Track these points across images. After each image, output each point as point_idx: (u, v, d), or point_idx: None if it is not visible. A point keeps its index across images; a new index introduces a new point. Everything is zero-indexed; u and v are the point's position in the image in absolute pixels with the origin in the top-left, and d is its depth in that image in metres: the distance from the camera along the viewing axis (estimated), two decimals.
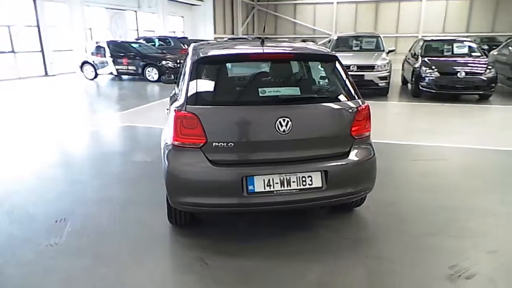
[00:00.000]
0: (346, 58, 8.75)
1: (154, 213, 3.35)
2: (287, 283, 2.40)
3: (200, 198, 2.61)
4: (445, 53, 9.88)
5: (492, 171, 4.49)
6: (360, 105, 2.77)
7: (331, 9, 33.08)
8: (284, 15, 34.32)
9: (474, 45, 9.90)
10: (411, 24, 31.43)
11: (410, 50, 11.56)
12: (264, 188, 2.55)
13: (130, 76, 13.85)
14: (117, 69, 13.35)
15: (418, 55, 9.82)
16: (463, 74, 8.53)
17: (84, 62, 13.63)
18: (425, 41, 10.34)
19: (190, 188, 2.60)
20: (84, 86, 12.46)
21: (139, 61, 13.05)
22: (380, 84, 9.07)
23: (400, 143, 5.45)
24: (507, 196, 3.69)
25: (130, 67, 13.22)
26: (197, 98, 2.59)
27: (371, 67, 9.00)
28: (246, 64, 3.02)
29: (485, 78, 8.51)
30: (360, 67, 8.99)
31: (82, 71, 13.71)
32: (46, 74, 14.84)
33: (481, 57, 9.43)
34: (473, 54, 9.59)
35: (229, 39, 23.35)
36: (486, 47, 19.90)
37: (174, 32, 22.92)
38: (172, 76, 4.82)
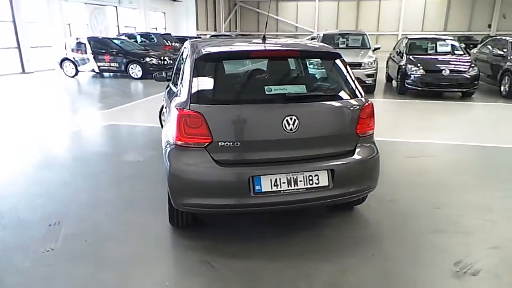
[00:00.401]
0: None
1: (152, 215, 3.26)
2: (300, 284, 2.37)
3: (205, 199, 2.54)
4: (429, 51, 10.08)
5: (483, 166, 4.60)
6: (364, 103, 2.76)
7: (313, 7, 33.31)
8: (267, 12, 34.29)
9: (456, 44, 10.14)
10: (392, 22, 32.02)
11: (394, 48, 11.74)
12: (271, 188, 2.51)
13: (112, 73, 13.53)
14: (98, 66, 12.99)
15: (403, 53, 9.98)
16: (448, 72, 8.73)
17: (64, 59, 13.20)
18: (409, 39, 10.51)
19: (195, 189, 2.53)
20: (64, 84, 12.06)
21: (122, 58, 12.75)
22: (367, 82, 9.16)
23: (392, 140, 5.51)
24: (500, 192, 3.77)
25: (112, 64, 12.89)
26: (201, 96, 2.52)
27: (358, 65, 9.07)
28: (249, 61, 2.96)
29: (468, 76, 8.73)
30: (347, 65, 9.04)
31: (62, 68, 13.27)
32: (23, 71, 14.29)
33: (464, 55, 9.67)
34: (456, 52, 9.82)
35: (212, 36, 23.13)
36: (463, 45, 20.54)
37: (155, 28, 22.51)
38: (164, 73, 4.69)
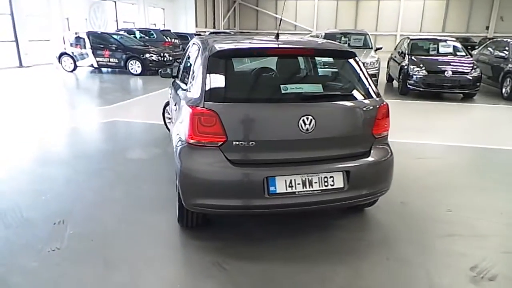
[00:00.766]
0: None
1: (159, 214, 3.19)
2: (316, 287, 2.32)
3: (218, 200, 2.47)
4: (431, 52, 10.06)
5: (490, 169, 4.56)
6: (380, 103, 2.71)
7: (312, 6, 33.23)
8: (266, 10, 34.18)
9: (458, 45, 10.12)
10: (390, 22, 32.04)
11: (395, 49, 11.71)
12: (286, 189, 2.45)
13: (111, 69, 13.39)
14: (97, 61, 12.85)
15: (405, 53, 9.94)
16: (450, 73, 8.71)
17: (63, 54, 13.04)
18: (411, 39, 10.48)
19: (208, 189, 2.47)
20: (63, 79, 11.92)
21: (122, 54, 12.62)
22: None
23: (398, 141, 5.42)
24: (510, 194, 3.74)
25: (111, 60, 12.76)
26: (215, 94, 2.45)
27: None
28: (262, 59, 2.90)
29: (471, 78, 8.72)
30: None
31: (60, 62, 13.12)
32: (21, 65, 14.12)
33: (466, 56, 9.65)
34: (458, 53, 9.80)
35: (211, 33, 23.01)
36: None
37: (154, 24, 22.33)
38: (168, 70, 4.61)
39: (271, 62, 2.81)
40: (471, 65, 9.00)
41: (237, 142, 2.40)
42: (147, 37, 15.61)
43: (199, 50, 2.98)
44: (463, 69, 8.87)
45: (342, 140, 2.59)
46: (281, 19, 3.06)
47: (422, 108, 8.20)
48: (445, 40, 10.34)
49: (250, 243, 2.79)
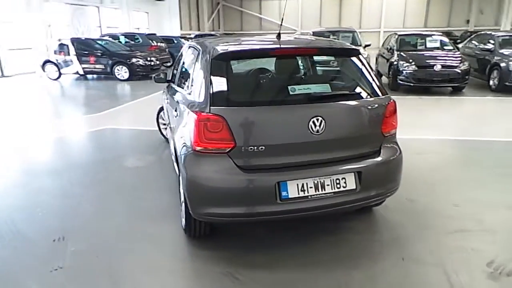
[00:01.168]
0: None
1: (162, 224, 3.09)
2: None
3: (228, 208, 2.38)
4: (419, 47, 10.14)
5: (489, 161, 4.57)
6: (388, 101, 2.66)
7: (296, 5, 33.27)
8: (250, 10, 34.11)
9: (446, 39, 10.22)
10: (373, 19, 32.30)
11: (383, 45, 11.79)
12: (298, 194, 2.38)
13: (96, 75, 13.11)
14: (83, 68, 12.57)
15: (393, 49, 10.00)
16: (439, 67, 8.78)
17: (46, 61, 12.72)
18: (399, 35, 10.54)
19: (218, 198, 2.37)
20: (47, 87, 11.62)
21: (107, 59, 12.37)
22: None
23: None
24: None
25: (97, 66, 12.50)
26: (221, 98, 2.36)
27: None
28: (265, 60, 2.82)
29: (459, 71, 8.81)
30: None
31: (44, 70, 12.78)
32: (2, 74, 13.71)
33: (454, 50, 9.75)
34: (446, 48, 9.90)
35: (197, 36, 22.81)
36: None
37: (138, 28, 22.02)
38: (162, 75, 4.49)
39: (276, 63, 2.72)
40: (459, 58, 9.10)
41: (246, 147, 2.32)
42: (132, 42, 15.37)
43: (198, 53, 2.88)
44: (451, 63, 8.96)
45: (352, 140, 2.53)
46: (282, 19, 2.98)
47: (414, 103, 8.24)
48: (432, 35, 10.43)
49: (260, 251, 2.70)
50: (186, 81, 3.11)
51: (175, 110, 3.07)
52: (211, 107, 2.32)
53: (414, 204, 3.36)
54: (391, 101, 2.69)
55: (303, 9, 33.22)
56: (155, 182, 4.02)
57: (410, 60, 9.08)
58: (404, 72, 9.07)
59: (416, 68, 8.91)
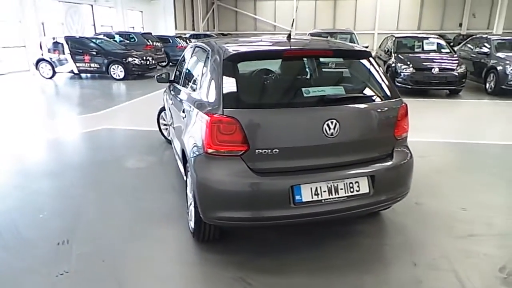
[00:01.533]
0: None
1: (167, 227, 3.04)
2: None
3: (241, 212, 2.33)
4: (416, 50, 10.20)
5: (492, 165, 4.59)
6: (400, 104, 2.64)
7: (291, 6, 33.33)
8: (245, 11, 34.07)
9: (443, 42, 10.30)
10: (368, 21, 32.47)
11: (380, 47, 11.83)
12: (312, 198, 2.34)
13: (91, 75, 12.95)
14: (78, 67, 12.41)
15: (391, 52, 10.04)
16: (437, 69, 8.83)
17: (40, 60, 12.53)
18: (396, 37, 10.58)
19: (230, 201, 2.32)
20: (42, 86, 11.44)
21: (103, 58, 12.23)
22: None
23: None
24: None
25: (92, 65, 12.34)
26: (235, 100, 2.31)
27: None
28: (277, 61, 2.77)
29: (457, 74, 8.87)
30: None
31: (37, 69, 12.59)
32: None
33: (451, 53, 9.83)
34: (443, 50, 9.97)
35: (191, 36, 22.70)
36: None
37: (133, 27, 21.84)
38: (164, 75, 4.43)
39: (288, 64, 2.68)
40: (457, 61, 9.16)
41: (260, 150, 2.27)
42: (127, 41, 15.22)
43: (207, 54, 2.83)
44: (449, 65, 9.02)
45: (365, 144, 2.51)
46: (294, 19, 2.93)
47: (413, 106, 8.09)
48: (429, 38, 10.50)
49: (271, 256, 2.65)
50: (194, 81, 3.05)
51: (183, 111, 3.01)
52: (224, 109, 2.27)
53: (421, 208, 3.35)
54: (403, 104, 2.67)
55: (298, 10, 33.26)
56: (158, 183, 3.95)
57: (408, 63, 9.12)
58: (402, 74, 9.10)
59: (414, 71, 8.95)
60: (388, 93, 2.64)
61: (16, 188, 3.85)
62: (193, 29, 29.84)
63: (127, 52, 12.73)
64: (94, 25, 18.79)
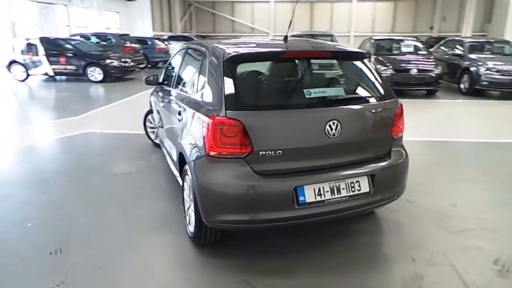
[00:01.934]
0: None
1: (164, 232, 2.98)
2: None
3: (245, 214, 2.32)
4: (394, 52, 10.47)
5: (476, 161, 4.79)
6: (397, 104, 2.70)
7: (269, 8, 33.49)
8: (222, 12, 33.96)
9: (419, 45, 10.62)
10: (343, 24, 33.05)
11: (359, 49, 12.05)
12: (315, 198, 2.35)
13: (66, 77, 12.54)
14: (53, 69, 11.99)
15: (371, 53, 10.25)
16: (416, 71, 9.11)
17: (12, 62, 12.05)
18: (375, 40, 10.84)
19: (234, 204, 2.31)
20: (14, 89, 10.99)
21: (80, 60, 11.88)
22: None
23: None
24: (502, 185, 3.93)
25: (69, 67, 11.96)
26: (237, 102, 2.29)
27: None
28: (276, 63, 2.77)
29: (434, 75, 9.18)
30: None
31: (10, 71, 12.08)
32: None
33: (428, 55, 10.15)
34: (419, 52, 10.28)
35: (170, 37, 22.41)
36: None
37: (109, 28, 21.33)
38: (151, 77, 4.35)
39: (288, 66, 2.69)
40: (434, 63, 9.47)
41: (264, 152, 2.26)
42: (104, 42, 14.84)
43: (204, 56, 2.80)
44: (426, 67, 9.31)
45: (365, 144, 2.55)
46: (291, 21, 2.94)
47: None
48: (407, 40, 10.80)
49: (272, 257, 2.65)
50: (190, 83, 3.01)
51: (178, 114, 2.96)
52: (227, 111, 2.25)
53: (414, 205, 3.43)
54: (399, 104, 2.73)
55: (275, 13, 33.48)
56: (149, 188, 3.88)
57: (388, 64, 9.35)
58: (382, 75, 9.29)
59: (394, 72, 9.18)
60: (385, 93, 2.70)
61: (0, 198, 3.66)
62: (171, 31, 29.48)
63: (105, 54, 12.42)
64: (68, 26, 18.23)
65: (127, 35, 15.98)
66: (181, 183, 3.10)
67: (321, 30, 16.24)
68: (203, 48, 2.89)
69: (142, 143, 5.30)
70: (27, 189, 3.85)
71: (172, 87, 3.58)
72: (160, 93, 4.15)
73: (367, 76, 2.74)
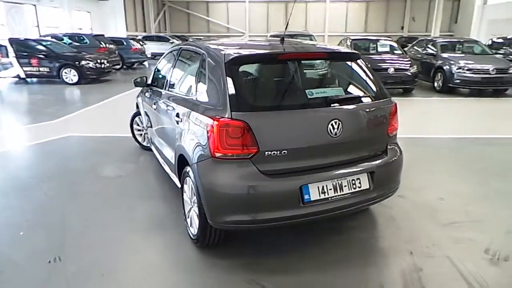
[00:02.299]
0: None
1: (163, 236, 2.96)
2: None
3: (251, 214, 2.34)
4: (371, 51, 10.75)
5: (454, 157, 5.01)
6: (392, 103, 2.80)
7: (244, 8, 33.53)
8: (197, 12, 33.70)
9: (395, 44, 10.95)
10: (318, 24, 33.56)
11: None
12: (319, 196, 2.41)
13: (37, 79, 12.11)
14: (25, 71, 11.56)
15: None
16: (393, 70, 9.40)
17: None
18: (352, 40, 11.09)
19: (241, 204, 2.33)
20: None
21: (54, 62, 11.50)
22: None
23: None
24: (482, 179, 4.13)
25: (42, 69, 11.56)
26: (242, 103, 2.32)
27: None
28: (276, 64, 2.79)
29: (410, 74, 9.50)
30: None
31: None
32: None
33: (403, 54, 10.49)
34: (395, 52, 10.60)
35: (144, 38, 22.03)
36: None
37: (81, 28, 20.74)
38: (138, 79, 4.30)
39: (287, 67, 2.72)
40: (409, 62, 9.80)
41: (269, 152, 2.30)
42: (77, 43, 14.41)
43: (202, 57, 2.80)
44: (402, 66, 9.62)
45: (364, 142, 2.63)
46: (287, 22, 2.99)
47: None
48: (383, 40, 11.12)
49: (274, 256, 2.69)
50: (187, 85, 3.00)
51: (176, 116, 2.94)
52: (233, 113, 2.27)
53: (404, 200, 3.56)
54: (394, 103, 2.83)
55: (250, 13, 33.56)
56: (142, 190, 3.83)
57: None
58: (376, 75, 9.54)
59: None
60: (381, 93, 2.79)
61: None
62: (145, 31, 28.96)
63: (80, 55, 12.07)
64: (38, 26, 17.58)
65: (102, 35, 15.58)
66: (179, 185, 3.09)
67: (296, 30, 16.38)
68: (200, 50, 2.88)
69: (128, 146, 5.21)
70: (6, 197, 3.69)
71: (165, 89, 3.55)
72: (149, 95, 4.10)
73: (364, 76, 2.83)
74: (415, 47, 12.52)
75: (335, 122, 2.41)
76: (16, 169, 4.57)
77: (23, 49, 11.59)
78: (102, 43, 14.56)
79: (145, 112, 4.41)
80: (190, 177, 2.62)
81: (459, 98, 9.58)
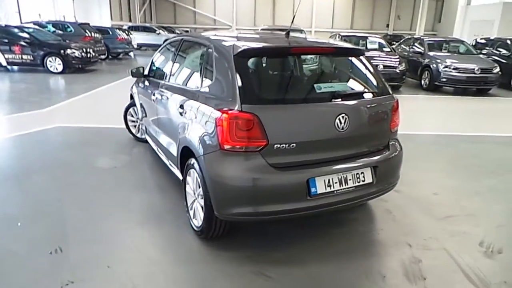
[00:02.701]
0: None
1: (164, 227, 2.96)
2: (362, 282, 2.37)
3: (259, 206, 2.36)
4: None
5: (444, 153, 5.14)
6: (395, 99, 2.86)
7: (231, 1, 33.25)
8: (184, 3, 33.22)
9: (384, 42, 11.10)
10: (305, 19, 33.59)
11: None
12: (325, 189, 2.45)
13: (18, 67, 11.73)
14: (7, 59, 11.17)
15: None
16: (382, 67, 9.53)
17: None
18: (342, 36, 11.18)
19: (249, 196, 2.34)
20: None
21: (38, 50, 11.16)
22: None
23: None
24: (470, 174, 4.27)
25: (25, 56, 11.20)
26: (252, 96, 2.32)
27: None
28: (285, 58, 2.80)
29: (399, 71, 9.67)
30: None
31: None
32: None
33: (392, 52, 10.65)
34: (384, 49, 10.76)
35: (130, 27, 21.62)
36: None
37: (64, 16, 20.13)
38: (135, 70, 4.22)
39: (297, 61, 2.73)
40: (398, 60, 9.96)
41: (278, 145, 2.32)
42: (61, 31, 14.00)
43: (208, 49, 2.78)
44: (391, 63, 9.78)
45: (369, 136, 2.68)
46: (294, 17, 3.00)
47: None
48: (372, 37, 11.26)
49: (278, 248, 2.72)
50: (192, 77, 2.98)
51: (180, 107, 2.92)
52: (243, 105, 2.27)
53: (400, 194, 3.64)
54: (396, 99, 2.89)
55: (238, 5, 33.31)
56: (138, 182, 3.80)
57: None
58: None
59: None
60: (384, 88, 2.85)
61: None
62: (130, 21, 28.38)
63: (65, 43, 11.75)
64: (19, 12, 16.96)
65: (88, 24, 15.18)
66: (180, 177, 3.07)
67: (285, 25, 16.37)
68: (206, 42, 2.86)
69: (121, 137, 5.14)
70: (5, 187, 3.60)
71: (165, 80, 3.51)
72: (147, 86, 4.04)
73: (369, 72, 2.87)
74: (402, 45, 12.74)
75: (343, 117, 2.44)
76: (4, 160, 4.43)
77: (5, 36, 11.19)
78: (88, 31, 14.19)
79: (141, 103, 4.35)
80: (195, 169, 2.62)
81: (445, 96, 9.82)
